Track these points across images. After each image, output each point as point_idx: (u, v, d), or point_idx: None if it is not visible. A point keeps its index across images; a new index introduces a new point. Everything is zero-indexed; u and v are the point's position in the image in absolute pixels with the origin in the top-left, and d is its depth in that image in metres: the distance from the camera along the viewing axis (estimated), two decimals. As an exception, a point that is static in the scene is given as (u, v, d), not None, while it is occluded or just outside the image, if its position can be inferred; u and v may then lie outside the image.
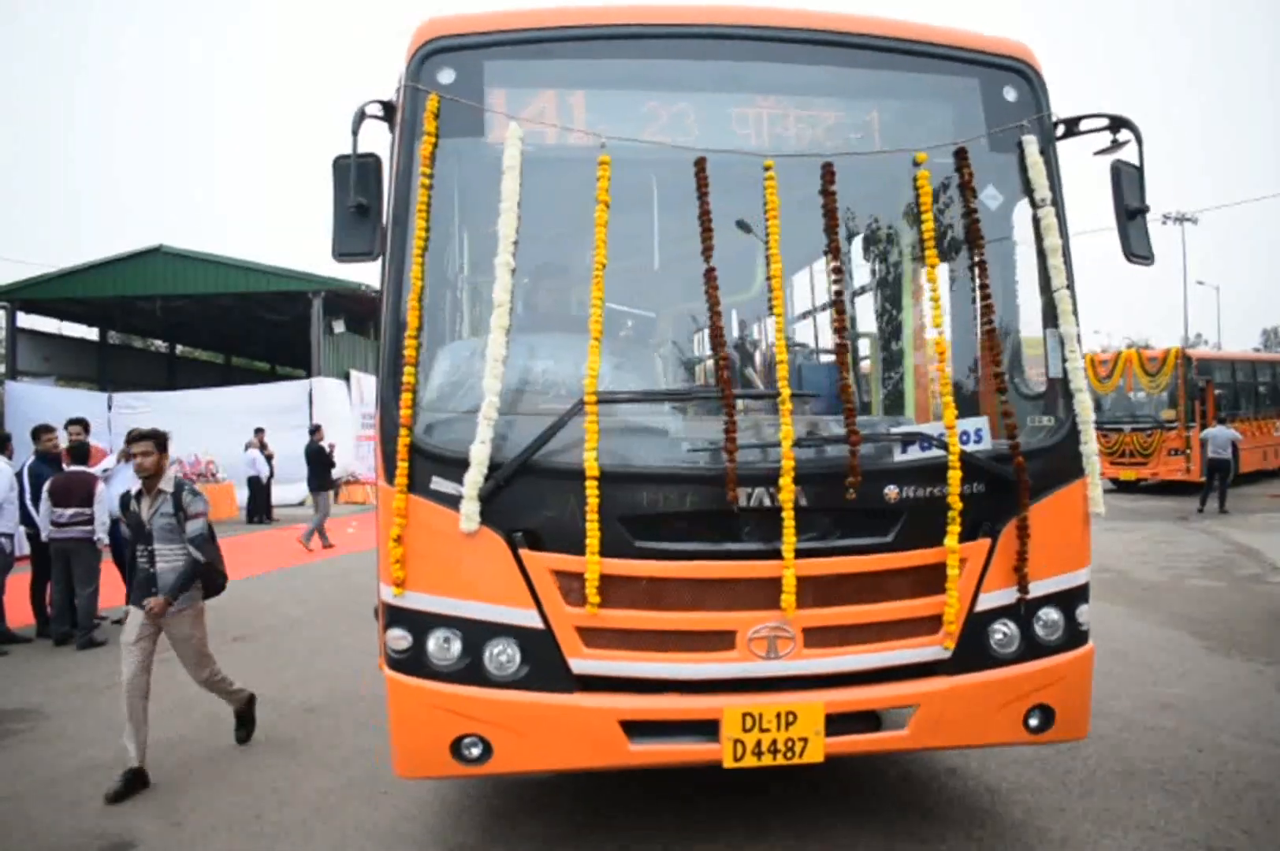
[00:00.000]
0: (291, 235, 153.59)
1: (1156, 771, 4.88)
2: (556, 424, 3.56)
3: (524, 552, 3.58)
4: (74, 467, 8.34)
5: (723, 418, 3.62)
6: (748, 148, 3.87)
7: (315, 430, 16.57)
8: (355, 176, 3.72)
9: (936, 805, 4.51)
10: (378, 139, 4.08)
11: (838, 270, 3.86)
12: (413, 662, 3.62)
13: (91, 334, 33.56)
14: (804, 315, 6.14)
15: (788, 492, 3.53)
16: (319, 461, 15.84)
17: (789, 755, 3.56)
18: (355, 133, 3.75)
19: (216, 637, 8.41)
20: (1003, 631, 3.86)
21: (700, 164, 3.78)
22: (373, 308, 30.13)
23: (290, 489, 23.57)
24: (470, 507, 3.52)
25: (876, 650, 3.71)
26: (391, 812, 4.53)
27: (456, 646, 3.60)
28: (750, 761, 3.54)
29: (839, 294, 3.85)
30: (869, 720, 3.76)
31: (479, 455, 3.50)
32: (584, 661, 3.59)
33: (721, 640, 3.61)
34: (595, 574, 3.49)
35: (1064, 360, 4.03)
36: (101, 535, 8.22)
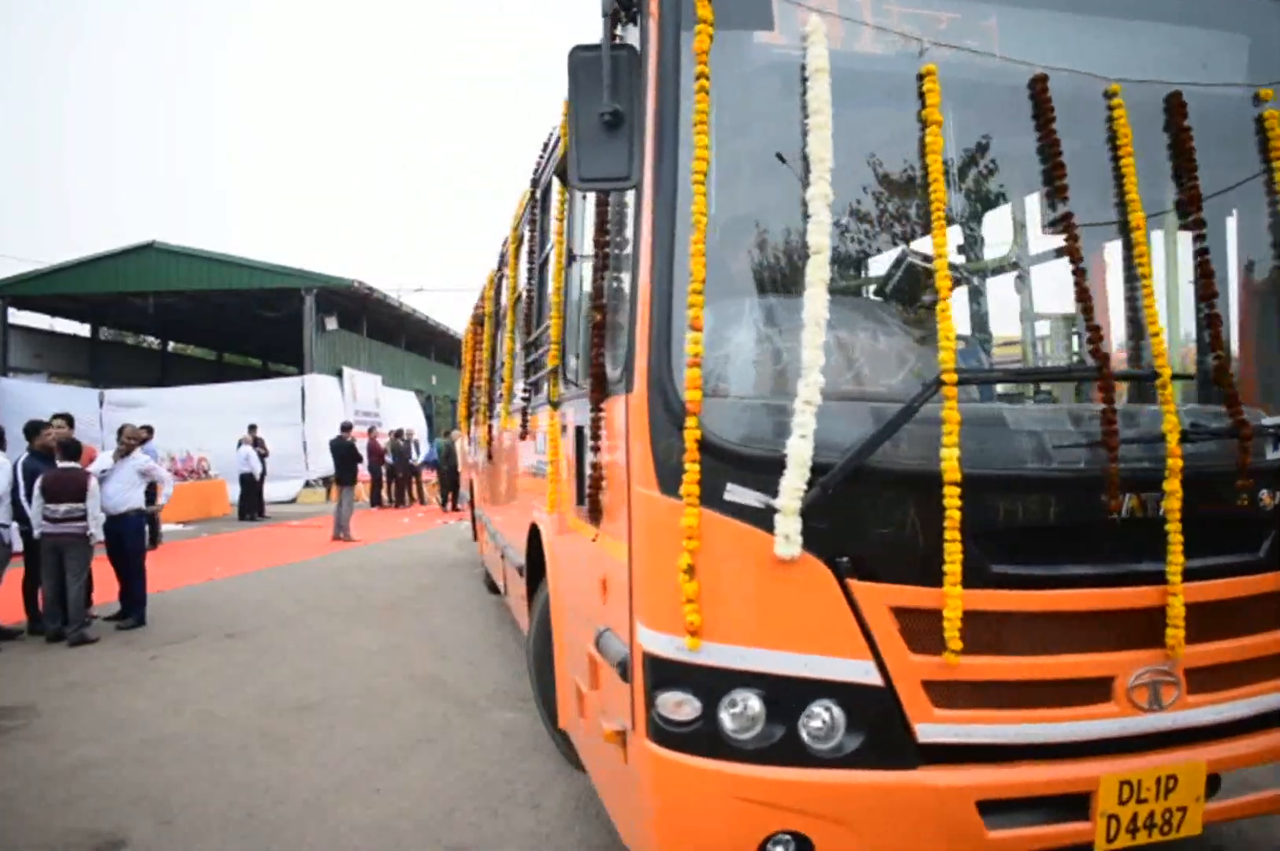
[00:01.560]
0: (285, 232, 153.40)
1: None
2: (905, 411, 2.71)
3: (853, 584, 2.75)
4: (66, 463, 8.29)
5: (1093, 404, 2.91)
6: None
7: (347, 427, 17.55)
8: (608, 75, 2.76)
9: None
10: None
11: (1199, 223, 3.15)
12: (700, 738, 2.72)
13: (83, 330, 33.52)
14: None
15: (1175, 500, 2.85)
16: (349, 457, 16.75)
17: (1166, 829, 2.88)
18: (609, 16, 2.89)
19: (208, 635, 8.44)
20: None
21: (1041, 83, 3.06)
22: (365, 304, 30.30)
23: (283, 486, 23.59)
24: (789, 525, 2.67)
25: (1256, 692, 3.08)
26: (386, 810, 4.51)
27: (761, 713, 2.73)
28: (1124, 840, 2.85)
29: (1204, 253, 3.12)
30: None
31: (800, 453, 2.65)
32: (933, 726, 2.79)
33: (1096, 690, 2.89)
34: (957, 609, 2.70)
35: None
36: (94, 530, 8.19)
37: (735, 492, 2.73)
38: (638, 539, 2.89)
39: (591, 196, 3.49)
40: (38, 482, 8.09)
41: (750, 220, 3.35)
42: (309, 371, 26.45)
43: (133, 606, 8.92)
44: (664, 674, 2.76)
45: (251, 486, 20.30)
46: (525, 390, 5.56)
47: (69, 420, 9.35)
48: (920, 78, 2.99)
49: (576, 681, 3.77)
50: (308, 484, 25.06)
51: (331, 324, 28.33)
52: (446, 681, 6.77)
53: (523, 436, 5.65)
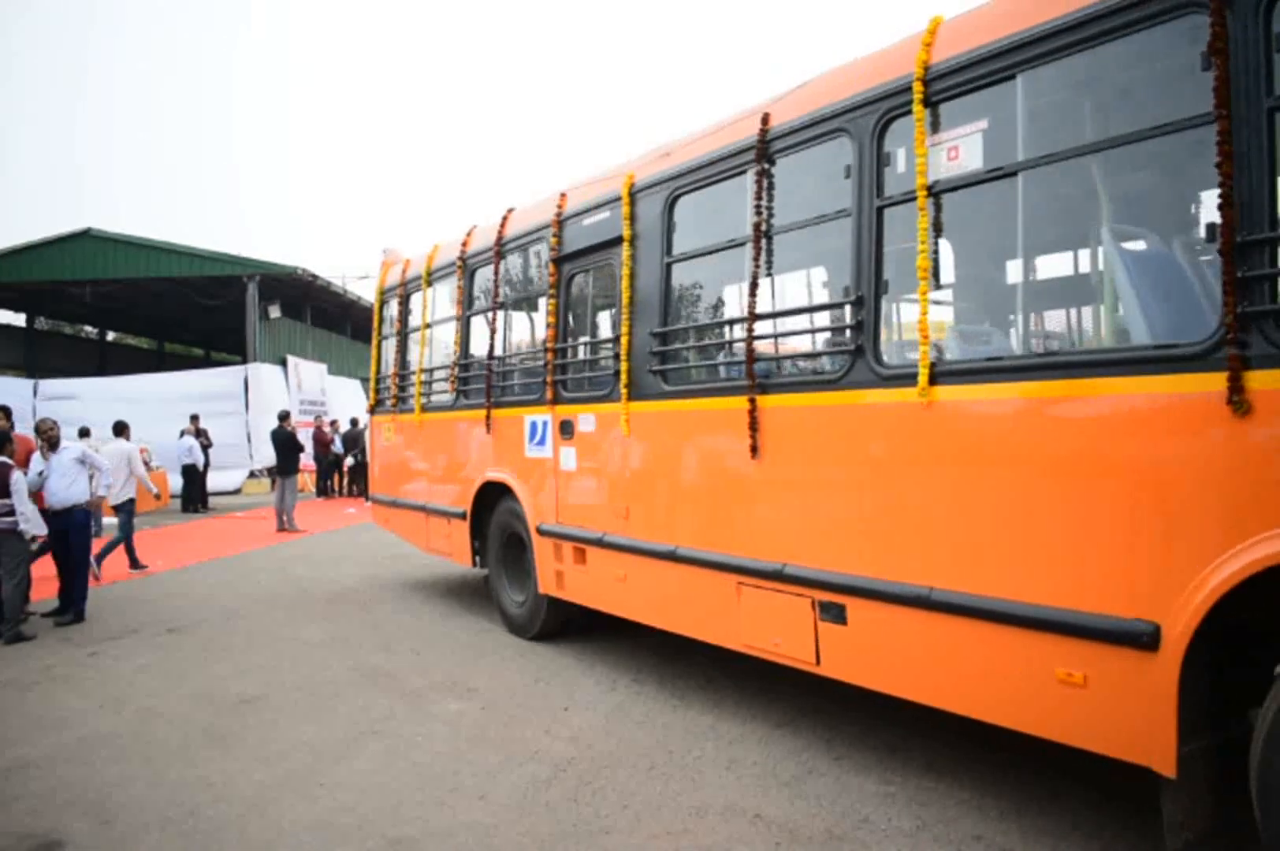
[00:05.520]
0: (225, 219, 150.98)
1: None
2: None
3: None
4: (-6, 458, 8.08)
5: None
6: None
7: (285, 416, 17.33)
8: None
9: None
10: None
11: None
12: None
13: (18, 320, 32.80)
14: None
15: None
16: (290, 447, 16.46)
17: None
18: None
19: (150, 629, 8.31)
20: None
21: None
22: (309, 292, 29.91)
23: (226, 476, 23.27)
24: None
25: None
26: (330, 805, 4.46)
27: None
28: None
29: None
30: None
31: None
32: None
33: None
34: None
35: None
36: (24, 527, 7.98)
37: None
38: None
39: None
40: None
41: None
42: (252, 360, 26.09)
43: (72, 602, 8.75)
44: None
45: (194, 477, 20.00)
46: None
47: (7, 412, 9.15)
48: None
49: None
50: (252, 474, 24.75)
51: (275, 312, 27.93)
52: (391, 673, 6.72)
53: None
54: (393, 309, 10.11)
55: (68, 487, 8.68)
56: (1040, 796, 4.25)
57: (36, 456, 8.99)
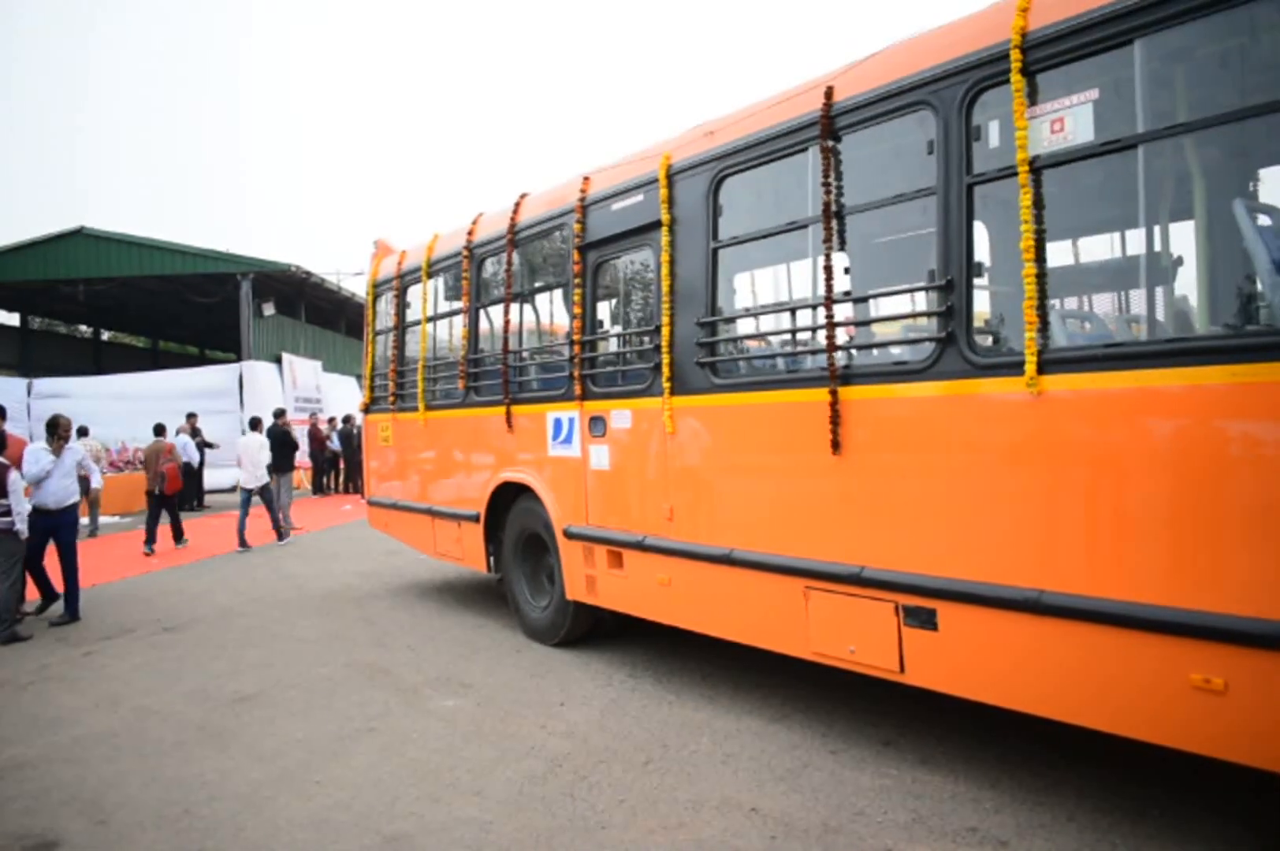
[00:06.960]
0: (221, 217, 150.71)
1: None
2: None
3: None
4: (-11, 458, 8.08)
5: None
6: None
7: (280, 414, 17.15)
8: None
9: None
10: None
11: None
12: None
13: (12, 319, 32.77)
14: None
15: None
16: (285, 444, 16.27)
17: None
18: None
19: (146, 628, 8.30)
20: None
21: None
22: (304, 288, 29.86)
23: (221, 474, 23.24)
24: None
25: None
26: (326, 802, 4.46)
27: None
28: None
29: None
30: None
31: None
32: None
33: None
34: None
35: None
36: (20, 527, 7.99)
37: None
38: None
39: None
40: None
41: None
42: (247, 358, 26.05)
43: (66, 601, 8.74)
44: None
45: (190, 476, 19.94)
46: None
47: (1, 412, 9.14)
48: None
49: None
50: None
51: (269, 309, 27.87)
52: (386, 669, 6.72)
53: None
54: (387, 303, 9.52)
55: (68, 487, 8.72)
56: (1036, 789, 4.25)
57: (29, 453, 8.95)
